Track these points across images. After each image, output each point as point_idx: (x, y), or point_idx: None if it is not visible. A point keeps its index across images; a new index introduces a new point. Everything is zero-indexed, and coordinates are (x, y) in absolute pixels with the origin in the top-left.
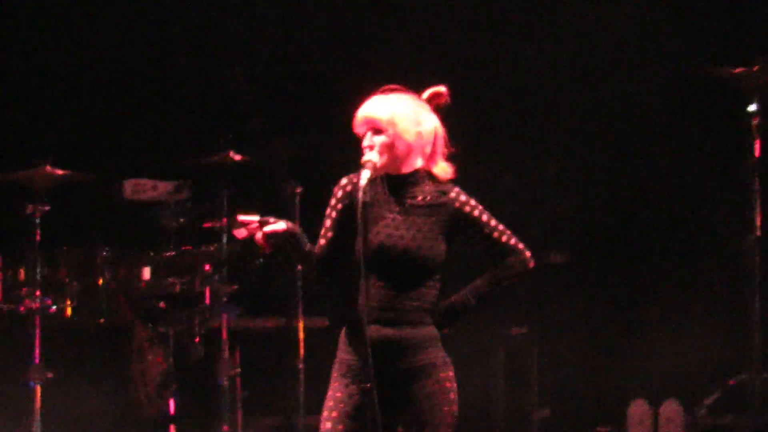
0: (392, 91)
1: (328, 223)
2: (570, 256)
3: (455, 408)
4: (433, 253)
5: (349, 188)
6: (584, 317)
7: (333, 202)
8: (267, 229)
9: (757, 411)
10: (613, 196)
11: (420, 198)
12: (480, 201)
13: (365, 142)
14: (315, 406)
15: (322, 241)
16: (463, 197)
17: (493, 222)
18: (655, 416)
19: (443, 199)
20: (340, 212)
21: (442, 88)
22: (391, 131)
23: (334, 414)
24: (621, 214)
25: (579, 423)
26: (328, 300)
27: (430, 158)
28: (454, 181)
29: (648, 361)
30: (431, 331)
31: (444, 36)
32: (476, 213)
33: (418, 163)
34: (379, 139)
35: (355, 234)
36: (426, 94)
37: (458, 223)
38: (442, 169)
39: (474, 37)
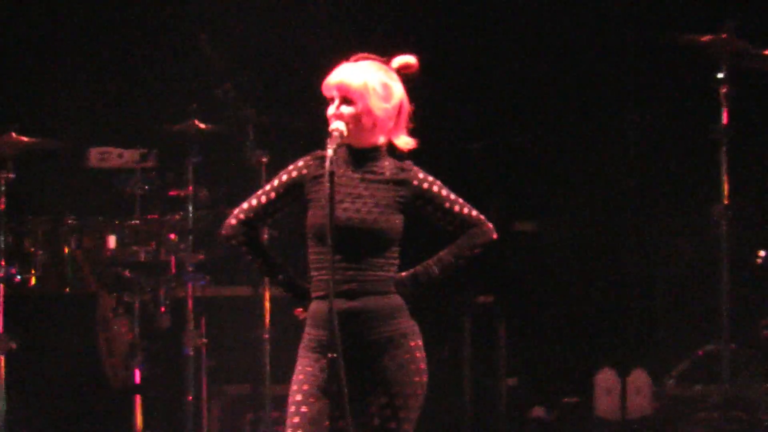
0: (364, 59)
1: (276, 183)
2: (537, 225)
3: (425, 378)
4: (389, 227)
5: (304, 171)
6: (551, 286)
7: (286, 173)
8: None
9: (725, 381)
10: (580, 164)
11: (379, 173)
12: (447, 170)
13: (332, 110)
14: (281, 376)
15: (263, 199)
16: (420, 174)
17: (452, 196)
18: (623, 386)
19: (402, 175)
20: (290, 184)
21: (412, 59)
22: (361, 104)
23: (305, 387)
24: (587, 182)
25: (546, 393)
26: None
27: (393, 131)
28: (417, 153)
29: (616, 330)
30: (398, 300)
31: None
32: (435, 189)
33: (381, 138)
34: (348, 110)
35: (299, 208)
36: (396, 63)
37: (417, 200)
38: (404, 141)
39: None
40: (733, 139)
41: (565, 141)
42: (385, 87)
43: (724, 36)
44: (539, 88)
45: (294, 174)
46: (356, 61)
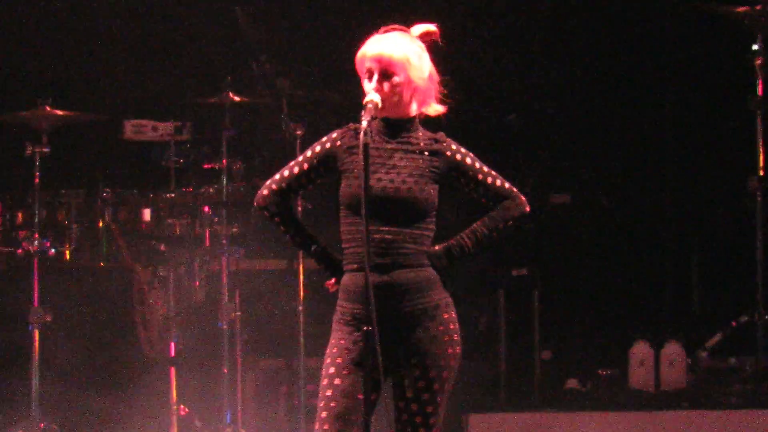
0: (393, 30)
1: (309, 153)
2: (571, 198)
3: (459, 350)
4: (424, 197)
5: (338, 143)
6: (585, 259)
7: (320, 145)
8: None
9: (760, 353)
10: (615, 137)
11: (413, 144)
12: (482, 142)
13: (371, 84)
14: (315, 349)
15: (296, 170)
16: (454, 146)
17: (486, 168)
18: (657, 358)
19: (436, 146)
20: (323, 155)
21: (432, 27)
22: (402, 75)
23: (338, 360)
24: (623, 154)
25: (581, 365)
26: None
27: (425, 100)
28: (452, 125)
29: (650, 302)
30: (431, 273)
31: None
32: (468, 160)
33: (415, 108)
34: (389, 83)
35: (331, 179)
36: (417, 31)
37: (451, 171)
38: (434, 109)
39: None
40: None
41: (601, 113)
42: (420, 57)
43: (759, 7)
44: (574, 59)
45: (327, 145)
46: (385, 32)
